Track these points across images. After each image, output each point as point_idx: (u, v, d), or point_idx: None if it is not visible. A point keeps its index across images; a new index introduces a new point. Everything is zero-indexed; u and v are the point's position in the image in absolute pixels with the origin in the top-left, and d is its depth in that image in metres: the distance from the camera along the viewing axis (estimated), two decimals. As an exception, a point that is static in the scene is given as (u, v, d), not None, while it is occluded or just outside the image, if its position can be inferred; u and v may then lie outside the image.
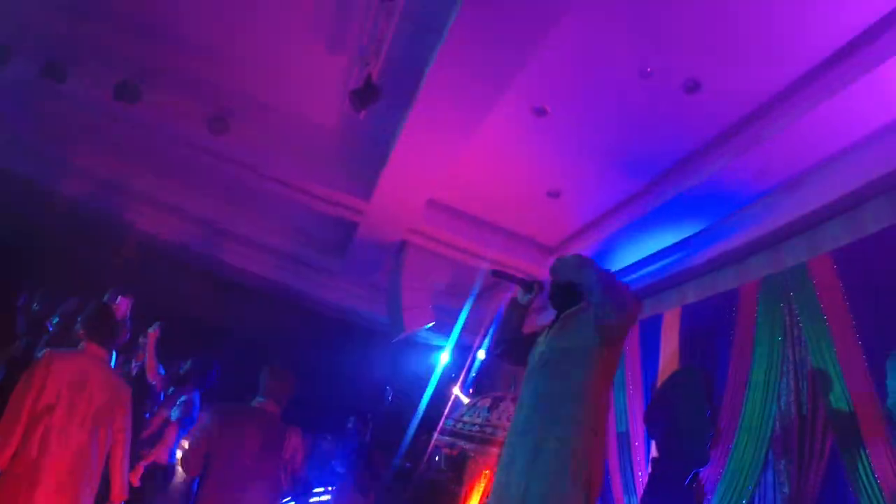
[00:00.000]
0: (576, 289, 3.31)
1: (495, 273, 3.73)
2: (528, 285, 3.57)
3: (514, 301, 3.61)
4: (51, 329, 5.80)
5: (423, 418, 7.95)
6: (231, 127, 6.60)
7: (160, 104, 6.67)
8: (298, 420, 4.36)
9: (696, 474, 5.24)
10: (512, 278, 3.65)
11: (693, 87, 4.84)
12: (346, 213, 7.67)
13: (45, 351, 3.93)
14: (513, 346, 3.56)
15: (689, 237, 6.09)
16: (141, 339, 6.51)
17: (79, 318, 4.07)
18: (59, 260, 8.02)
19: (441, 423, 6.76)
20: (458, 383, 8.23)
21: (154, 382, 5.97)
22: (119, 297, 5.73)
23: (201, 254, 9.75)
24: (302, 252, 9.51)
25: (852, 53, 4.16)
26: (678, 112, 5.11)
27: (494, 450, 5.74)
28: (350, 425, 7.01)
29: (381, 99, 5.37)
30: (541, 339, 3.38)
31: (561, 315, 3.37)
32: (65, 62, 6.28)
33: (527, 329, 3.63)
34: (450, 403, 7.99)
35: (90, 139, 8.06)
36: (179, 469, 5.39)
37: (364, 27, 5.32)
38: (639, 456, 6.07)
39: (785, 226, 5.11)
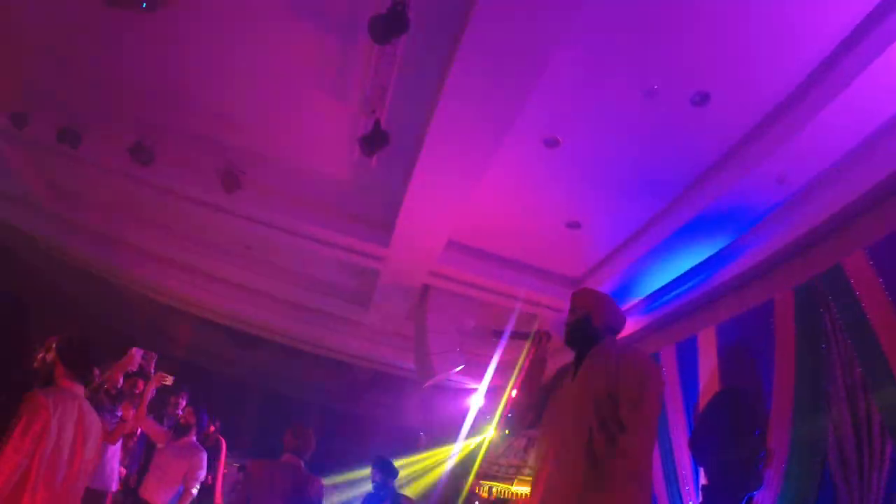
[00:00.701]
0: (594, 322, 3.25)
1: (497, 334, 3.77)
2: (538, 337, 3.50)
3: (533, 361, 3.47)
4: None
5: (458, 462, 7.76)
6: (245, 184, 6.68)
7: (174, 165, 6.80)
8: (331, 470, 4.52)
9: (751, 499, 5.00)
10: (519, 336, 3.60)
11: (701, 99, 4.76)
12: (367, 262, 7.67)
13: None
14: (539, 409, 3.36)
15: (717, 253, 5.95)
16: (172, 399, 6.73)
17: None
18: (75, 317, 8.06)
19: (476, 467, 6.58)
20: (493, 425, 8.04)
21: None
22: (133, 349, 5.96)
23: (222, 310, 9.77)
24: (326, 304, 9.52)
25: (860, 40, 4.02)
26: (690, 127, 5.03)
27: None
28: (372, 474, 6.81)
29: (389, 143, 5.37)
30: (567, 381, 3.22)
31: (585, 354, 3.21)
32: (79, 127, 6.43)
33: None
34: (485, 446, 7.79)
35: (106, 200, 8.17)
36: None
37: (367, 76, 5.34)
38: (687, 485, 5.83)
39: (814, 229, 4.97)
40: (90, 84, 6.26)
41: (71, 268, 9.52)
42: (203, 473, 6.25)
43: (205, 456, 6.36)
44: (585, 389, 3.03)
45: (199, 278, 9.47)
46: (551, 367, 3.51)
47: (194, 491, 6.13)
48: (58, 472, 3.52)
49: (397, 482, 6.43)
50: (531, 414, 3.37)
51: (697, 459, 5.71)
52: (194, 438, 6.36)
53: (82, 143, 6.50)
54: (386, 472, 6.28)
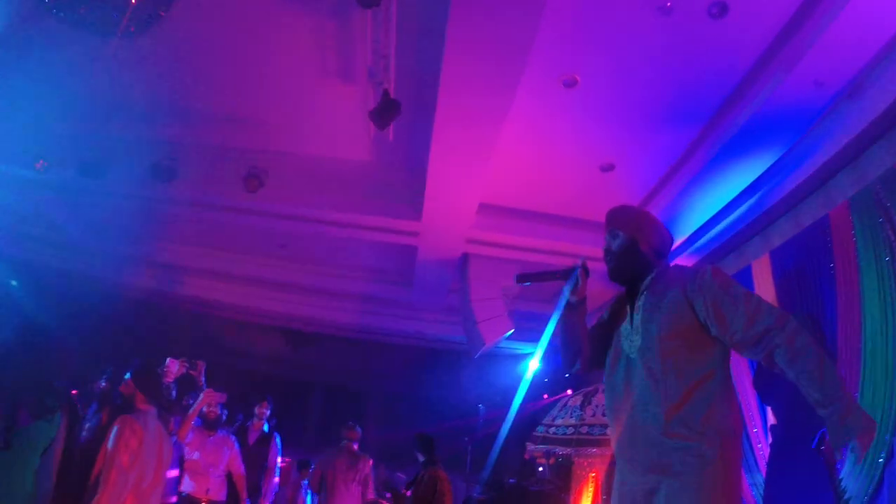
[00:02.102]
0: (641, 247, 2.71)
1: (521, 278, 2.94)
2: (569, 273, 2.77)
3: (569, 305, 2.80)
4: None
5: (518, 428, 7.59)
6: (268, 182, 6.62)
7: (196, 177, 6.79)
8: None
9: (823, 434, 4.66)
10: (546, 276, 2.89)
11: (720, 10, 4.40)
12: (403, 239, 7.55)
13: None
14: (590, 355, 2.81)
15: (761, 175, 5.58)
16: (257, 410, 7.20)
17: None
18: (132, 346, 8.21)
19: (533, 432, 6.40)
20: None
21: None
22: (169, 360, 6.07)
23: (272, 312, 9.82)
24: (371, 290, 9.48)
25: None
26: (711, 42, 4.66)
27: (595, 450, 5.33)
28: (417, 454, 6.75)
29: (401, 112, 5.20)
30: (625, 327, 2.69)
31: (641, 289, 2.69)
32: (98, 160, 6.44)
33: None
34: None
35: (138, 226, 8.26)
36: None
37: (367, 49, 5.18)
38: (755, 426, 5.52)
39: (863, 132, 4.55)
40: (100, 116, 6.31)
41: (123, 300, 9.70)
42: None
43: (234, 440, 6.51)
44: (660, 322, 2.54)
45: (241, 285, 9.53)
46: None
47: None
48: (145, 486, 4.03)
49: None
50: (578, 359, 2.82)
51: (763, 399, 5.41)
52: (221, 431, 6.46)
53: (105, 174, 6.53)
54: (428, 448, 6.22)
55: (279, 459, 7.45)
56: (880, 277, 4.39)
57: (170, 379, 6.08)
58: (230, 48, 5.40)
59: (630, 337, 2.64)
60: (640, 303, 2.66)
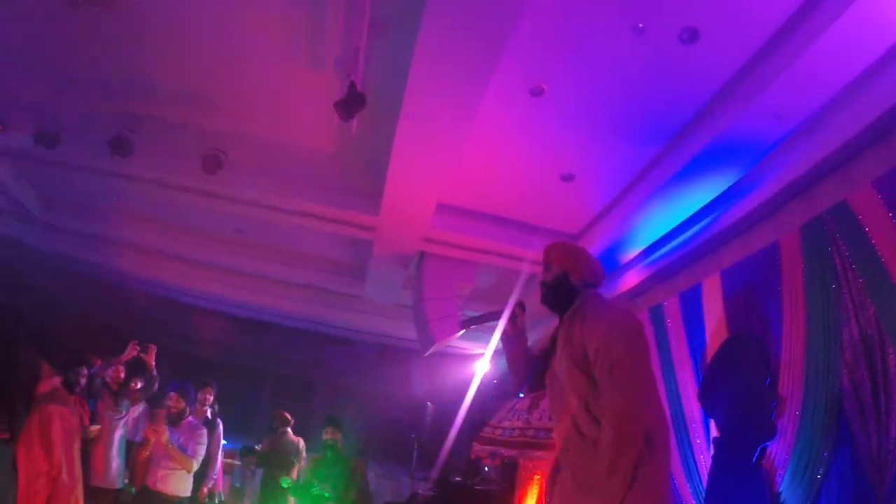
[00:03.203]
0: (571, 279, 3.02)
1: (466, 324, 3.53)
2: (511, 312, 3.17)
3: (505, 335, 3.19)
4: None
5: (466, 429, 7.64)
6: (228, 165, 6.51)
7: (154, 154, 6.64)
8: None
9: (764, 449, 4.81)
10: (486, 317, 3.30)
11: (691, 36, 4.47)
12: (359, 233, 7.51)
13: None
14: (532, 379, 3.18)
15: (717, 197, 5.70)
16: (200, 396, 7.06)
17: None
18: (78, 323, 8.02)
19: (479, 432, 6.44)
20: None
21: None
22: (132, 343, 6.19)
23: (223, 298, 9.66)
24: (324, 280, 9.41)
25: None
26: (680, 66, 4.75)
27: (539, 453, 5.39)
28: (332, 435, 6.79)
29: (366, 105, 5.14)
30: (557, 349, 3.01)
31: (564, 316, 3.01)
32: (55, 128, 6.24)
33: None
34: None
35: (94, 200, 8.06)
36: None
37: (338, 39, 5.11)
38: (698, 438, 5.66)
39: (817, 165, 4.70)
40: (61, 83, 6.08)
41: (68, 273, 9.45)
42: (202, 448, 6.16)
43: (204, 431, 6.29)
44: (567, 354, 2.86)
45: (194, 268, 9.36)
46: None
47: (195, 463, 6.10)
48: None
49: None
50: (524, 384, 3.21)
51: (707, 411, 5.54)
52: (191, 419, 6.24)
53: (61, 143, 6.31)
54: (344, 432, 6.27)
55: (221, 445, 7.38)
56: (825, 304, 4.54)
57: (125, 359, 6.28)
58: (198, 25, 5.24)
59: (559, 359, 2.95)
60: (560, 331, 2.99)
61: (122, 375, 6.55)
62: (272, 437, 8.01)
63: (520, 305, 3.18)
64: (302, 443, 7.97)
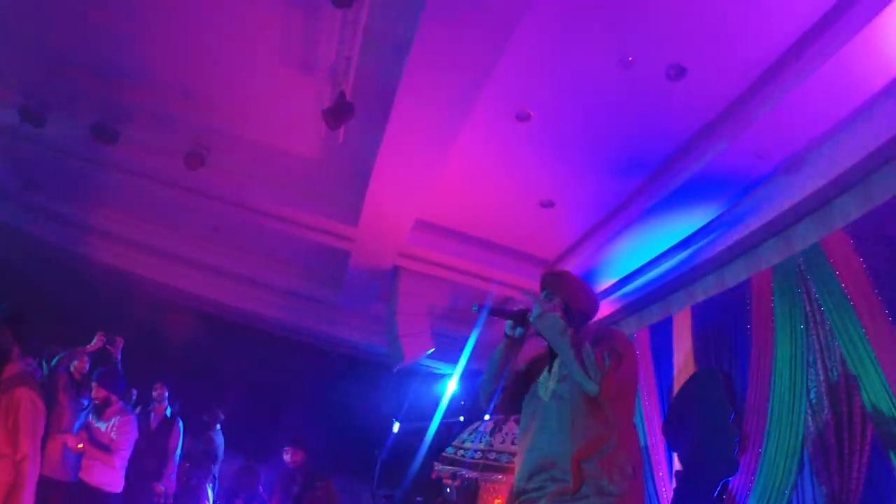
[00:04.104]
0: (572, 311, 2.92)
1: (492, 312, 3.20)
2: (523, 317, 2.95)
3: (510, 340, 3.01)
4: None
5: (433, 448, 7.58)
6: (211, 162, 6.44)
7: (138, 144, 6.57)
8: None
9: (726, 484, 4.85)
10: (501, 313, 3.11)
11: (677, 73, 4.56)
12: (337, 242, 7.45)
13: None
14: (509, 393, 3.03)
15: (693, 233, 5.78)
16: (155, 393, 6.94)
17: None
18: (47, 307, 7.86)
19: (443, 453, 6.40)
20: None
21: None
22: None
23: (195, 295, 9.53)
24: (299, 286, 9.28)
25: (837, 18, 3.88)
26: (665, 101, 4.83)
27: (500, 476, 5.37)
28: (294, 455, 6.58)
29: (354, 115, 5.16)
30: (544, 374, 2.91)
31: None
32: (42, 107, 6.16)
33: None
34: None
35: (73, 185, 7.95)
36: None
37: (331, 48, 5.12)
38: (661, 471, 5.69)
39: (792, 207, 4.80)
40: (52, 64, 6.01)
41: (38, 256, 9.27)
42: (128, 437, 5.78)
43: (128, 420, 5.87)
44: (568, 384, 2.74)
45: (167, 262, 9.22)
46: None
47: (123, 459, 5.75)
48: None
49: None
50: (496, 398, 3.03)
51: (671, 444, 5.57)
52: (119, 405, 5.93)
53: (46, 123, 6.21)
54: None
55: (180, 444, 7.23)
56: (793, 343, 4.63)
57: (92, 349, 6.14)
58: (196, 19, 5.20)
59: (546, 383, 2.85)
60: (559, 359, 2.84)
61: (87, 366, 6.41)
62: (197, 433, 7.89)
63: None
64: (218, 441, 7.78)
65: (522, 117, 5.29)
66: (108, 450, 5.68)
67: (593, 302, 3.07)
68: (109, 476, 5.78)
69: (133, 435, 5.89)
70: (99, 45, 5.68)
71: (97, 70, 6.02)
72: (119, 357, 6.52)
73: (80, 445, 5.66)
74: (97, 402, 5.79)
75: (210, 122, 6.42)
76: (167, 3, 5.09)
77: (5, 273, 8.63)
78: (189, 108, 6.31)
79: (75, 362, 6.25)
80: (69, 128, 6.37)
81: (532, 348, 3.16)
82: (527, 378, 3.04)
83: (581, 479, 2.56)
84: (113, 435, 5.69)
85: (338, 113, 5.14)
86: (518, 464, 2.86)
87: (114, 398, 5.84)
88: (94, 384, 5.79)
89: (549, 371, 2.89)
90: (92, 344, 6.37)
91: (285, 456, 6.43)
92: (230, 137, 6.56)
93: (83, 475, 5.69)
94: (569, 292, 2.98)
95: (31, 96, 6.15)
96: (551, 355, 2.92)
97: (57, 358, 6.00)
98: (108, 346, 6.45)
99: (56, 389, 6.09)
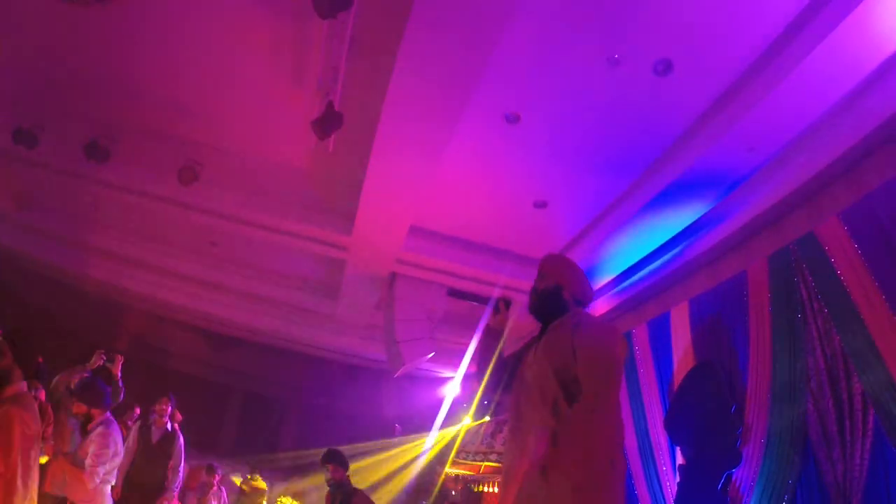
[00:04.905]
0: (564, 294, 2.97)
1: (452, 293, 3.36)
2: (494, 304, 3.12)
3: (487, 329, 3.14)
4: None
5: (433, 453, 7.58)
6: (205, 177, 6.47)
7: (131, 162, 6.60)
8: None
9: (729, 476, 4.86)
10: (470, 297, 3.26)
11: (665, 69, 4.57)
12: (333, 252, 7.47)
13: None
14: (503, 383, 3.07)
15: (688, 227, 5.81)
16: (157, 407, 6.81)
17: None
18: (45, 327, 7.84)
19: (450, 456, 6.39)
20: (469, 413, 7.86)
21: None
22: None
23: (194, 310, 9.53)
24: (297, 298, 9.31)
25: (822, 7, 3.87)
26: (654, 97, 4.84)
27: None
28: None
29: (343, 124, 5.16)
30: (530, 357, 2.93)
31: (549, 327, 2.94)
32: (34, 127, 6.16)
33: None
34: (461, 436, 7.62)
35: (66, 204, 7.93)
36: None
37: (318, 58, 5.13)
38: (664, 465, 5.69)
39: (786, 197, 4.84)
40: (42, 83, 6.04)
41: (36, 277, 9.25)
42: (105, 450, 5.30)
43: (109, 433, 5.39)
44: (545, 363, 2.78)
45: (165, 279, 9.21)
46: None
47: (95, 475, 5.30)
48: None
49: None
50: (494, 390, 3.05)
51: (673, 438, 5.58)
52: (101, 418, 5.80)
53: (39, 144, 6.21)
54: (344, 465, 5.96)
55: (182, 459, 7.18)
56: (791, 333, 4.64)
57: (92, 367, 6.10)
58: (186, 35, 5.23)
59: (532, 366, 2.87)
60: (542, 339, 2.92)
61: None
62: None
63: (505, 301, 3.16)
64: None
65: (512, 119, 5.31)
66: (82, 465, 5.51)
67: (586, 290, 3.10)
68: (83, 493, 5.55)
69: (111, 448, 5.58)
70: (89, 62, 5.69)
71: (87, 88, 6.03)
72: (119, 374, 6.51)
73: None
74: (80, 418, 5.66)
75: (202, 137, 6.45)
76: (157, 20, 5.11)
77: (2, 293, 8.61)
78: (180, 124, 6.34)
79: (74, 379, 6.23)
80: (62, 147, 6.38)
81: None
82: (515, 360, 3.08)
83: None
84: (91, 448, 5.55)
85: (326, 123, 5.14)
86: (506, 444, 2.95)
87: (94, 412, 5.60)
88: (74, 400, 5.67)
89: (535, 354, 2.92)
90: (91, 362, 6.35)
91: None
92: (222, 152, 6.59)
93: (66, 492, 5.62)
94: (562, 276, 3.04)
95: (23, 116, 6.15)
96: (539, 338, 2.96)
97: (56, 378, 5.99)
98: (107, 364, 6.45)
99: (57, 409, 6.07)
